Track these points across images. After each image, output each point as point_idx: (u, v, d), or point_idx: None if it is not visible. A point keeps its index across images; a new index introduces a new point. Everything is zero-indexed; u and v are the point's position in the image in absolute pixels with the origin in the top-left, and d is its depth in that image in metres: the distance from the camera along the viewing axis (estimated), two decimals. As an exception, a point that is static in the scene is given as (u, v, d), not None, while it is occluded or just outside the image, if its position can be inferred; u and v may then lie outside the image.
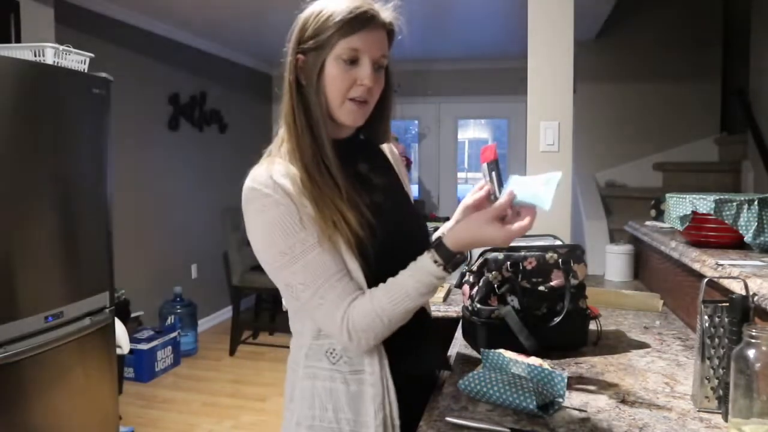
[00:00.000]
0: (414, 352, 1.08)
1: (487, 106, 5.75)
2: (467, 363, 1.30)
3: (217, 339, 4.67)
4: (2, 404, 2.02)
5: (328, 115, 1.01)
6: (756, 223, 1.43)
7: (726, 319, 1.02)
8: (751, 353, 0.87)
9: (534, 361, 1.15)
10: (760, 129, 3.53)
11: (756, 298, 1.06)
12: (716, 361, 1.04)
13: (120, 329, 2.90)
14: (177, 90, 4.52)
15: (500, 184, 1.03)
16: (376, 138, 1.13)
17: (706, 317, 1.04)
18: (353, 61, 0.97)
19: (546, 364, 1.15)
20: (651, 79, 4.27)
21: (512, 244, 1.35)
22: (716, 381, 1.03)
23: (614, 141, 4.37)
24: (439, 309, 1.74)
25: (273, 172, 0.98)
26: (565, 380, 1.08)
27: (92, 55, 2.54)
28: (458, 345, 1.43)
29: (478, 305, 1.34)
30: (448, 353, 1.38)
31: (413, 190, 5.70)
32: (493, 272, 1.33)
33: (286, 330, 1.09)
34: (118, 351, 2.77)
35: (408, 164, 5.23)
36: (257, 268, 4.41)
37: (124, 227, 3.59)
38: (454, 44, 4.89)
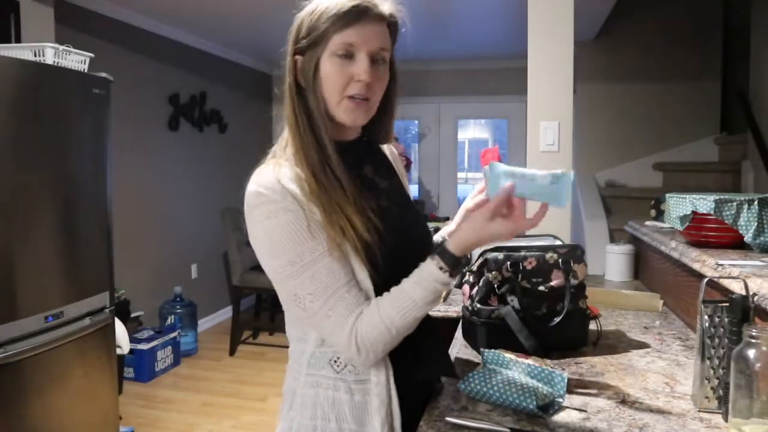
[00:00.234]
0: (419, 359, 1.06)
1: (487, 106, 5.75)
2: (467, 363, 1.30)
3: (217, 339, 4.67)
4: (2, 404, 2.02)
5: (327, 115, 0.97)
6: (756, 223, 1.43)
7: (726, 319, 1.02)
8: (751, 353, 0.87)
9: (534, 361, 1.15)
10: (760, 129, 3.53)
11: (756, 298, 1.06)
12: (716, 361, 1.04)
13: (120, 329, 2.90)
14: (177, 90, 4.52)
15: None
16: (378, 138, 1.09)
17: (706, 317, 1.04)
18: (349, 57, 0.94)
19: (546, 364, 1.16)
20: (651, 79, 4.27)
21: (512, 244, 1.36)
22: (716, 381, 1.03)
23: (614, 141, 4.37)
24: (439, 309, 1.73)
25: (281, 176, 0.94)
26: (565, 380, 1.08)
27: (92, 55, 2.54)
28: (458, 345, 1.43)
29: (478, 305, 1.34)
30: (449, 352, 1.38)
31: (413, 190, 5.73)
32: (493, 272, 1.33)
33: (285, 330, 1.08)
34: (118, 351, 2.78)
35: (408, 164, 5.23)
36: (257, 268, 4.41)
37: (124, 227, 3.59)
38: (454, 44, 4.89)
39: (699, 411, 1.05)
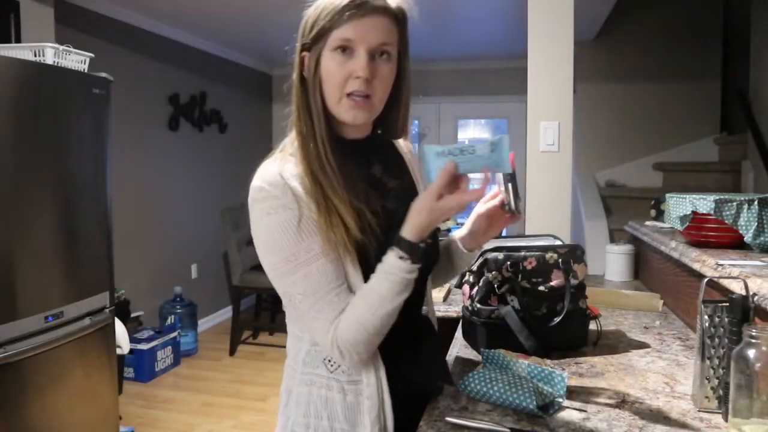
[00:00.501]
0: (415, 363, 1.06)
1: (487, 106, 5.75)
2: (467, 363, 1.30)
3: (217, 339, 4.67)
4: (2, 404, 2.02)
5: (331, 113, 0.97)
6: (756, 223, 1.43)
7: (726, 319, 1.02)
8: (751, 353, 0.87)
9: (534, 361, 1.15)
10: (760, 129, 3.53)
11: (756, 298, 1.06)
12: (716, 361, 1.04)
13: (120, 329, 2.90)
14: (177, 90, 4.52)
15: (516, 196, 0.99)
16: (389, 133, 1.07)
17: (706, 317, 1.04)
18: (348, 53, 0.92)
19: (546, 364, 1.16)
20: (651, 79, 4.27)
21: (512, 244, 1.36)
22: (716, 381, 1.03)
23: (614, 141, 4.37)
24: (439, 309, 1.73)
25: (284, 171, 0.94)
26: (565, 380, 1.08)
27: (92, 55, 2.54)
28: (458, 345, 1.43)
29: (478, 305, 1.34)
30: (448, 353, 1.38)
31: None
32: (493, 272, 1.33)
33: (285, 330, 1.08)
34: (118, 351, 2.78)
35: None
36: (257, 268, 4.41)
37: (124, 227, 3.59)
38: (454, 44, 4.89)
39: (699, 411, 1.05)
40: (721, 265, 1.28)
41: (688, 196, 1.56)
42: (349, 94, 0.94)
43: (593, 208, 3.84)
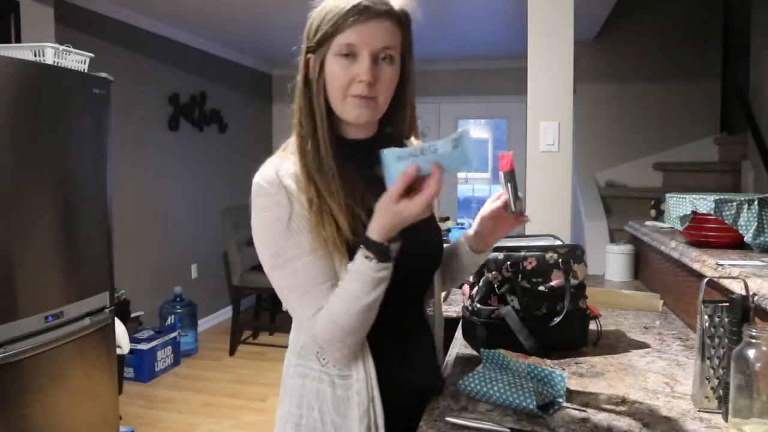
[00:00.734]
0: (402, 364, 1.06)
1: (487, 106, 5.75)
2: (467, 363, 1.30)
3: (217, 339, 4.67)
4: (2, 404, 2.02)
5: (335, 113, 0.99)
6: (756, 223, 1.43)
7: (726, 319, 1.02)
8: (751, 353, 0.87)
9: (534, 361, 1.15)
10: (760, 129, 3.53)
11: (756, 298, 1.06)
12: (716, 361, 1.04)
13: (120, 329, 2.90)
14: (177, 90, 4.52)
15: (515, 195, 0.99)
16: (395, 133, 1.08)
17: (706, 317, 1.04)
18: (352, 57, 0.94)
19: (546, 364, 1.16)
20: (651, 79, 4.27)
21: (512, 244, 1.36)
22: (716, 381, 1.03)
23: (614, 141, 4.37)
24: (439, 309, 1.74)
25: (281, 170, 0.97)
26: (565, 380, 1.08)
27: (92, 55, 2.54)
28: (458, 345, 1.43)
29: (478, 305, 1.34)
30: (448, 353, 1.38)
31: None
32: (493, 272, 1.33)
33: (286, 330, 1.08)
34: (118, 351, 2.78)
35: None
36: (257, 267, 4.41)
37: (124, 227, 3.59)
38: (454, 44, 4.89)
39: (699, 411, 1.05)
40: (721, 265, 1.29)
41: (688, 196, 1.56)
42: (353, 95, 0.95)
43: (593, 208, 3.84)
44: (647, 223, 2.14)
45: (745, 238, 1.45)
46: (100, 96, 2.47)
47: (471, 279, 1.39)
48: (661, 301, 1.81)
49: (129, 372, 3.74)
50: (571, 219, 2.46)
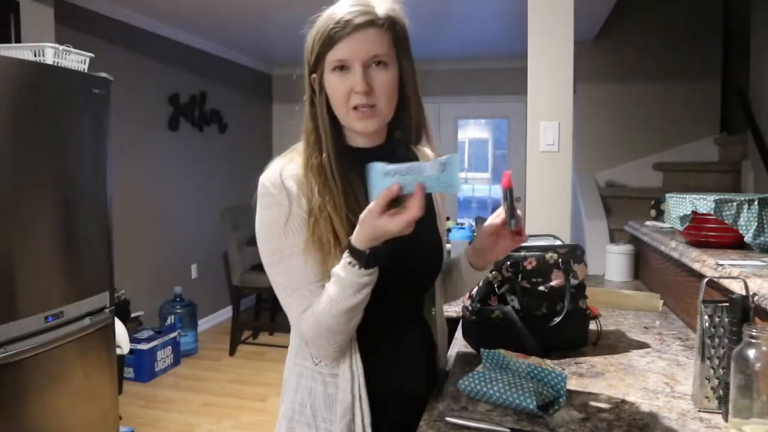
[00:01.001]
0: (396, 368, 1.08)
1: (487, 106, 5.75)
2: (467, 363, 1.30)
3: (217, 339, 4.67)
4: (2, 404, 2.02)
5: (341, 125, 1.03)
6: (756, 223, 1.43)
7: (726, 319, 1.02)
8: (751, 353, 0.87)
9: (534, 361, 1.15)
10: (760, 129, 3.53)
11: (756, 298, 1.06)
12: (716, 361, 1.04)
13: (120, 329, 2.90)
14: (177, 90, 4.52)
15: (512, 212, 0.99)
16: (405, 137, 1.10)
17: (706, 317, 1.04)
18: (346, 69, 0.98)
19: (546, 364, 1.16)
20: (651, 79, 4.27)
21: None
22: (716, 381, 1.03)
23: (614, 141, 4.37)
24: (439, 309, 1.74)
25: (284, 171, 1.01)
26: (565, 380, 1.08)
27: (92, 55, 2.54)
28: (458, 345, 1.43)
29: (478, 305, 1.34)
30: (448, 353, 1.38)
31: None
32: (493, 272, 1.33)
33: (286, 330, 1.09)
34: (118, 351, 2.78)
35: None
36: (257, 267, 4.41)
37: (124, 227, 3.59)
38: (454, 44, 4.89)
39: (699, 411, 1.05)
40: (721, 265, 1.29)
41: (688, 196, 1.56)
42: (355, 108, 0.98)
43: (593, 208, 3.84)
44: (647, 223, 2.14)
45: (745, 238, 1.45)
46: (100, 96, 2.47)
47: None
48: (661, 301, 1.81)
49: (129, 372, 3.75)
50: (571, 219, 2.46)
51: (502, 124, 5.88)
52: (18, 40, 2.77)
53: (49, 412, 2.21)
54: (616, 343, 1.45)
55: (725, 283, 1.21)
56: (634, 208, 3.60)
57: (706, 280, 1.11)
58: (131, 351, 3.46)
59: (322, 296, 0.96)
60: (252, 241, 4.56)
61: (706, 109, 4.28)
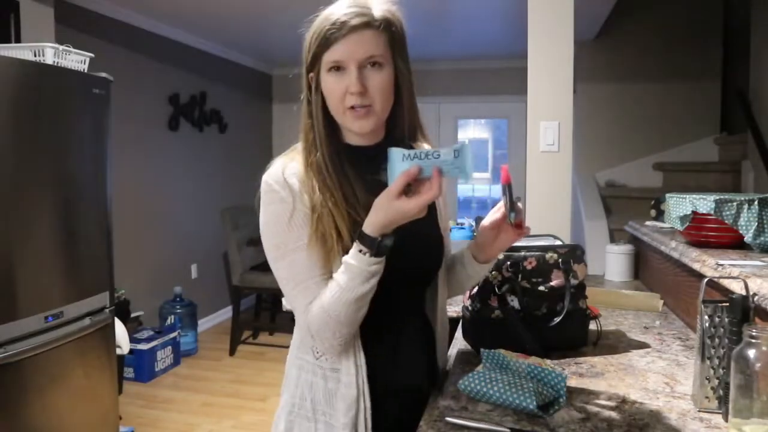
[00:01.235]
0: (397, 364, 1.09)
1: (487, 106, 5.75)
2: (467, 363, 1.30)
3: (217, 339, 4.67)
4: (2, 404, 2.02)
5: (338, 124, 1.04)
6: (756, 223, 1.43)
7: (726, 319, 1.02)
8: (751, 353, 0.87)
9: (534, 361, 1.15)
10: (760, 129, 3.53)
11: (756, 298, 1.06)
12: (716, 361, 1.04)
13: (120, 329, 2.90)
14: (177, 90, 4.52)
15: (511, 207, 1.02)
16: (401, 136, 1.10)
17: (706, 317, 1.04)
18: (342, 70, 0.99)
19: (546, 364, 1.16)
20: (651, 79, 4.27)
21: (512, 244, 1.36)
22: (716, 381, 1.03)
23: (614, 141, 4.37)
24: (439, 309, 1.73)
25: (287, 169, 1.03)
26: (565, 380, 1.08)
27: (92, 55, 2.54)
28: (458, 345, 1.43)
29: (478, 305, 1.34)
30: (448, 353, 1.38)
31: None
32: (493, 272, 1.33)
33: (285, 330, 1.10)
34: (118, 351, 2.78)
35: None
36: (257, 267, 4.41)
37: (124, 227, 3.59)
38: (454, 44, 4.89)
39: (699, 411, 1.05)
40: (721, 265, 1.29)
41: (688, 196, 1.56)
42: (351, 108, 1.00)
43: (593, 208, 3.84)
44: (647, 223, 2.14)
45: (745, 238, 1.45)
46: (100, 96, 2.47)
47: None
48: (661, 301, 1.81)
49: (129, 372, 3.74)
50: (571, 219, 2.46)
51: (502, 124, 5.88)
52: (18, 40, 2.77)
53: (49, 412, 2.21)
54: (616, 343, 1.45)
55: (725, 283, 1.21)
56: (634, 208, 3.60)
57: (706, 280, 1.11)
58: (131, 351, 3.46)
59: (331, 285, 0.98)
60: (252, 242, 4.57)
61: (706, 109, 4.28)
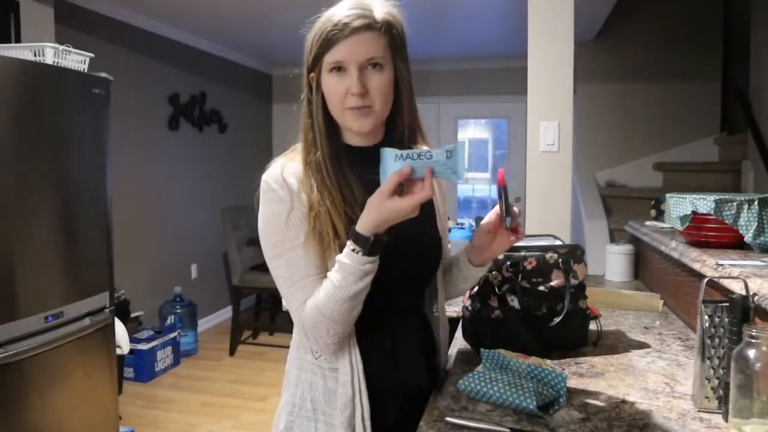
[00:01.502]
0: (395, 364, 1.09)
1: (487, 106, 5.75)
2: (467, 363, 1.30)
3: (217, 339, 4.67)
4: (2, 404, 2.02)
5: (338, 123, 1.05)
6: (756, 223, 1.43)
7: (726, 319, 1.02)
8: (751, 353, 0.87)
9: (534, 361, 1.15)
10: (760, 129, 3.53)
11: (756, 298, 1.06)
12: (716, 361, 1.04)
13: (120, 329, 2.90)
14: (177, 90, 4.52)
15: (507, 209, 1.03)
16: (400, 137, 1.11)
17: (706, 317, 1.04)
18: (343, 71, 1.00)
19: (546, 364, 1.16)
20: (651, 79, 4.27)
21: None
22: (716, 381, 1.03)
23: (614, 141, 4.37)
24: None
25: (286, 169, 1.04)
26: (565, 380, 1.08)
27: (92, 55, 2.54)
28: (458, 345, 1.43)
29: (478, 305, 1.34)
30: (448, 353, 1.38)
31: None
32: (493, 272, 1.33)
33: (285, 330, 1.10)
34: (118, 351, 2.78)
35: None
36: (257, 268, 4.41)
37: (124, 227, 3.59)
38: (454, 44, 4.89)
39: (699, 411, 1.05)
40: (721, 265, 1.28)
41: (688, 196, 1.56)
42: (351, 108, 1.01)
43: (593, 208, 3.84)
44: (647, 223, 2.14)
45: (745, 238, 1.45)
46: (100, 96, 2.47)
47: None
48: (661, 301, 1.81)
49: (129, 372, 3.74)
50: (571, 219, 2.46)
51: (502, 124, 5.88)
52: (18, 40, 2.77)
53: (49, 412, 2.21)
54: (616, 343, 1.45)
55: (725, 283, 1.21)
56: (634, 208, 3.60)
57: (706, 280, 1.11)
58: (131, 351, 3.46)
59: (325, 284, 0.98)
60: (252, 242, 4.58)
61: (706, 109, 4.28)
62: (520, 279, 1.33)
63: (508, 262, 1.33)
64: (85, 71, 2.47)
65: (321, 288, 0.99)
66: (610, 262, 2.24)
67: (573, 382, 1.18)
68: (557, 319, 1.34)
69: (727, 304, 1.02)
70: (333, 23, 0.99)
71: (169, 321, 4.21)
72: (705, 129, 4.29)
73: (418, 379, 1.13)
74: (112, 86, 2.53)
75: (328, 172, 1.02)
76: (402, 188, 0.93)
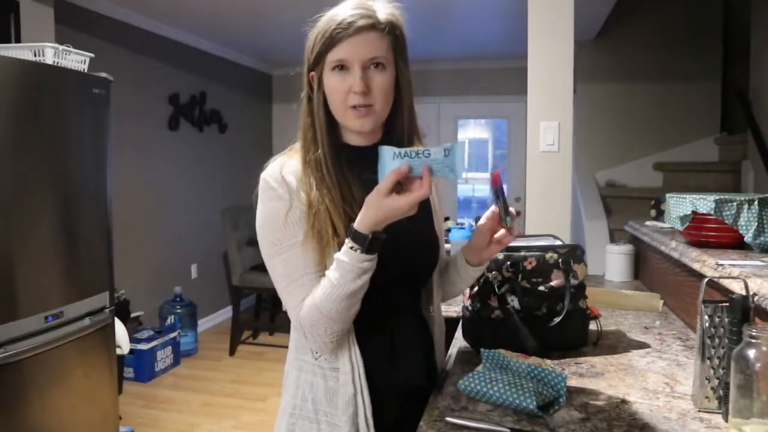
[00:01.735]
0: (394, 364, 1.09)
1: (487, 106, 5.75)
2: (467, 363, 1.30)
3: (217, 339, 4.67)
4: (2, 404, 2.02)
5: (338, 123, 1.05)
6: (756, 223, 1.43)
7: (726, 319, 1.02)
8: (751, 353, 0.87)
9: (534, 361, 1.15)
10: (760, 129, 3.53)
11: (756, 298, 1.06)
12: (716, 361, 1.04)
13: (120, 329, 2.90)
14: (177, 90, 4.52)
15: (505, 210, 1.04)
16: (398, 137, 1.11)
17: (706, 317, 1.04)
18: (345, 69, 1.01)
19: (546, 364, 1.16)
20: (651, 79, 4.27)
21: (512, 244, 1.36)
22: (716, 381, 1.03)
23: (614, 141, 4.37)
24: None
25: (285, 167, 1.04)
26: (565, 380, 1.08)
27: (92, 55, 2.54)
28: (458, 345, 1.43)
29: (478, 305, 1.34)
30: (448, 353, 1.38)
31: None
32: (493, 272, 1.33)
33: (286, 330, 1.10)
34: (118, 351, 2.78)
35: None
36: (257, 268, 4.41)
37: (124, 227, 3.59)
38: (454, 44, 4.89)
39: (699, 411, 1.05)
40: (721, 265, 1.28)
41: (688, 196, 1.56)
42: (353, 107, 1.01)
43: (593, 208, 3.84)
44: (647, 223, 2.14)
45: (745, 238, 1.45)
46: (100, 96, 2.47)
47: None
48: (661, 301, 1.81)
49: (129, 372, 3.74)
50: (571, 219, 2.46)
51: (502, 124, 5.88)
52: (18, 40, 2.77)
53: (49, 412, 2.21)
54: (616, 343, 1.45)
55: (725, 283, 1.21)
56: (634, 208, 3.60)
57: (706, 280, 1.11)
58: (131, 351, 3.46)
59: (323, 282, 0.98)
60: (252, 242, 4.57)
61: (706, 109, 4.28)
62: (520, 279, 1.33)
63: (508, 262, 1.33)
64: (85, 71, 2.47)
65: (319, 286, 0.99)
66: (610, 262, 2.24)
67: (573, 382, 1.18)
68: (557, 319, 1.34)
69: (727, 304, 1.02)
70: (337, 22, 0.99)
71: (169, 321, 4.21)
72: (705, 129, 4.29)
73: (417, 378, 1.14)
74: (112, 86, 2.53)
75: (327, 171, 1.02)
76: (400, 186, 0.93)
